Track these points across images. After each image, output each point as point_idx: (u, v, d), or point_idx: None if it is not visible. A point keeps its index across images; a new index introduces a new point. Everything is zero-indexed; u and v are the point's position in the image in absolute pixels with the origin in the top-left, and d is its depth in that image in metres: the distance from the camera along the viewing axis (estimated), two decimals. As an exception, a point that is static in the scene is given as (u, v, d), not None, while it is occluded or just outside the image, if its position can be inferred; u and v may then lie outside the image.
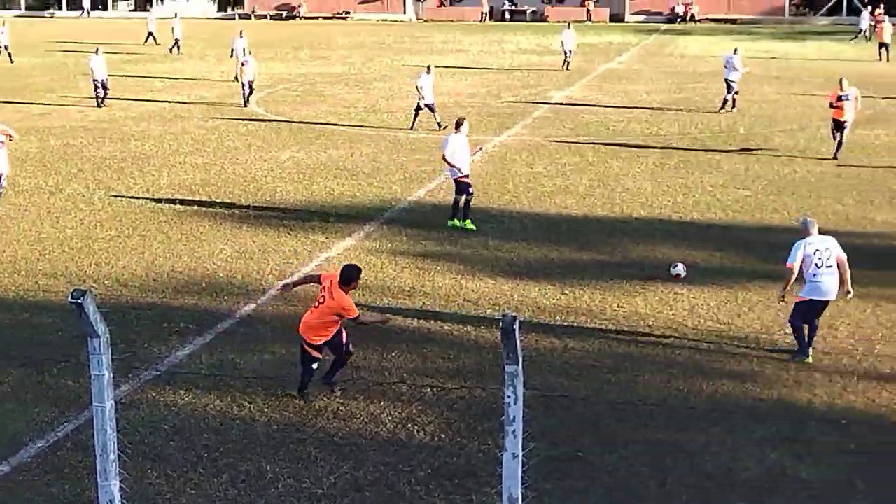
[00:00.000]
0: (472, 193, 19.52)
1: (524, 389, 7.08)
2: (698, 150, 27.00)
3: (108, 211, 20.82)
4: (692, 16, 74.47)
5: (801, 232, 13.33)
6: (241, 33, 42.57)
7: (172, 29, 53.26)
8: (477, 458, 10.70)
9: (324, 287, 11.82)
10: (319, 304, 11.72)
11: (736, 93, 33.19)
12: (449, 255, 17.97)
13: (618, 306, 15.35)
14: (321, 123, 31.50)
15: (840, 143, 25.61)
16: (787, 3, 75.87)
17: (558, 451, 10.75)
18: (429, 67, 30.39)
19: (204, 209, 21.01)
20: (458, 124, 19.68)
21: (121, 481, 7.36)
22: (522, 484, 7.15)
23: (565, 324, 14.64)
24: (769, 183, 23.16)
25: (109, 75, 35.31)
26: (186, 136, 29.36)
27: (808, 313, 13.20)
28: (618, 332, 14.31)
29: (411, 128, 29.94)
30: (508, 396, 6.98)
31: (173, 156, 26.57)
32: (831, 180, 23.40)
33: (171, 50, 53.28)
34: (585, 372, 12.93)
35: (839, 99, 25.36)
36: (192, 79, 43.03)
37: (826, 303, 13.18)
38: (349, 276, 11.76)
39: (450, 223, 19.50)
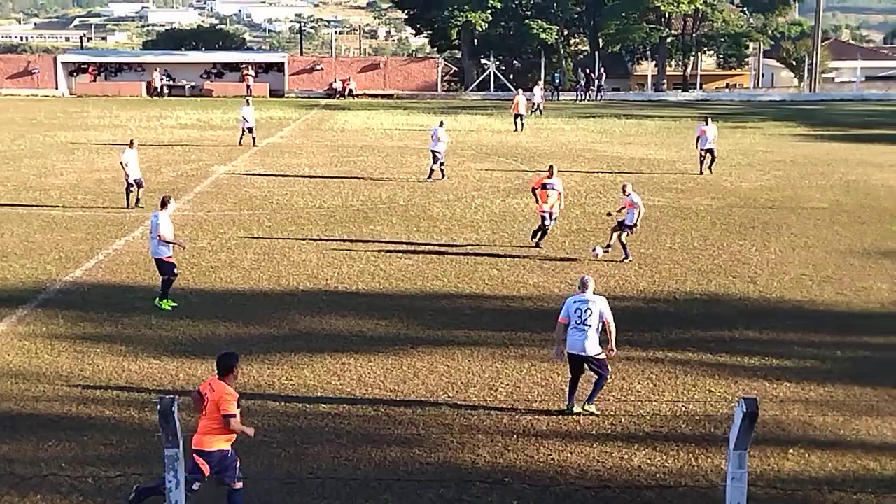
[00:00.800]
0: (176, 274, 19.11)
1: (187, 473, 6.89)
2: (361, 221, 27.55)
3: None
4: (350, 91, 76.35)
5: (578, 288, 13.93)
6: None
7: None
8: (143, 548, 10.26)
9: (205, 392, 10.49)
10: (205, 407, 10.32)
11: (442, 163, 34.73)
12: (110, 337, 17.31)
13: (286, 379, 15.31)
14: (-34, 203, 29.64)
15: (544, 231, 24.42)
16: (438, 80, 79.43)
17: (229, 532, 10.50)
18: (132, 142, 29.38)
19: None
20: (165, 202, 19.21)
21: None
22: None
23: (233, 401, 14.42)
24: (430, 251, 23.95)
25: None
26: None
27: (571, 365, 13.85)
28: (287, 406, 14.26)
29: (128, 206, 28.60)
30: (169, 481, 6.81)
31: None
32: (486, 247, 24.48)
33: None
34: (255, 449, 12.74)
35: (543, 187, 24.20)
36: None
37: (579, 357, 13.66)
38: (226, 364, 10.57)
39: (164, 305, 18.94)
